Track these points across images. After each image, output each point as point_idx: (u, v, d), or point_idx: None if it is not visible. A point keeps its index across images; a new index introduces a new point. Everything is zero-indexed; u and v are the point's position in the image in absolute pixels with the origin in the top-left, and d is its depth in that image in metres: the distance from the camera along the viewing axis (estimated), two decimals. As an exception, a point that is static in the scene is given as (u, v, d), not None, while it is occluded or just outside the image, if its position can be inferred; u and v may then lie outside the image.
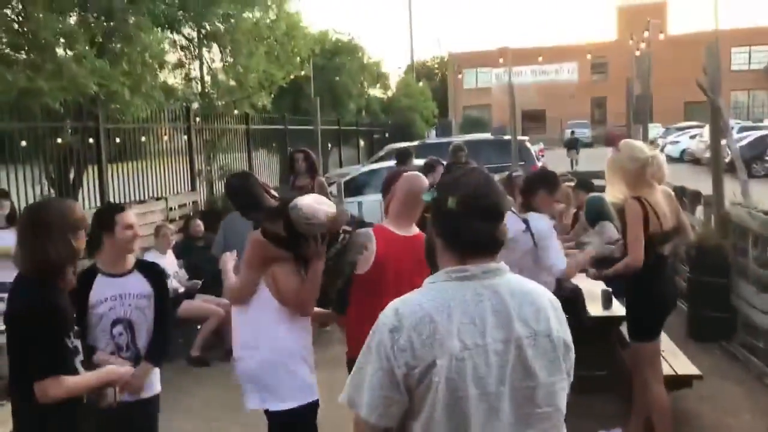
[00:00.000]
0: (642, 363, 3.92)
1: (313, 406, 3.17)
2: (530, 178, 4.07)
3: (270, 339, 3.09)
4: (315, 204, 2.99)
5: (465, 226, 1.64)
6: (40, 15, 5.31)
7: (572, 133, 30.57)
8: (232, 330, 3.30)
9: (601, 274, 4.02)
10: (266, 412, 3.18)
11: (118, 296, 3.20)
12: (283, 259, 3.08)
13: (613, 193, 3.92)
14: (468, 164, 9.22)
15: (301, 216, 2.93)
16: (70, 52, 5.68)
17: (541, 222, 3.83)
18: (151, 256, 6.18)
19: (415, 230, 3.12)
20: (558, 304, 1.73)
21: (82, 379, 2.60)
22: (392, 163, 12.62)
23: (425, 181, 3.18)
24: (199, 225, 6.91)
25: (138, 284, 3.24)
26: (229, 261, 3.45)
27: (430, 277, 1.69)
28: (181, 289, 6.30)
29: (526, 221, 3.82)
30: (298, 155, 7.24)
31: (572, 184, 7.36)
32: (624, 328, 4.80)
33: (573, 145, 26.29)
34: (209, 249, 6.91)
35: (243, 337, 3.19)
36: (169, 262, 6.30)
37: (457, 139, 15.70)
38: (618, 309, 4.58)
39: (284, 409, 3.09)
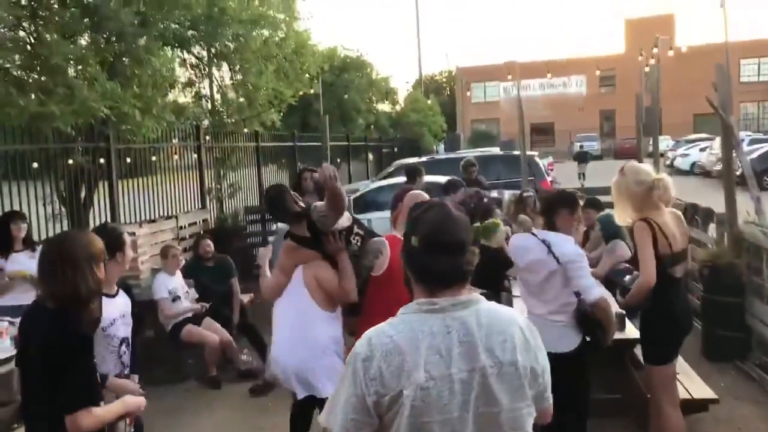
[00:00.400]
0: (657, 387, 3.87)
1: None
2: (550, 198, 4.01)
3: (305, 337, 3.62)
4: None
5: (428, 262, 1.75)
6: (53, 37, 5.36)
7: (581, 146, 30.93)
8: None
9: (623, 302, 3.96)
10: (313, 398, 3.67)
11: (120, 316, 3.30)
12: (314, 258, 3.67)
13: (622, 216, 3.91)
14: (479, 180, 9.21)
15: (316, 212, 3.59)
16: (81, 75, 5.71)
17: (567, 245, 3.75)
18: (161, 278, 6.19)
19: None
20: (531, 332, 1.82)
21: (109, 410, 2.66)
22: (401, 179, 12.66)
23: (426, 198, 3.73)
24: (209, 245, 6.89)
25: (126, 302, 3.39)
26: (266, 255, 3.94)
27: (403, 308, 1.79)
28: (190, 313, 6.28)
29: (547, 243, 3.75)
30: (306, 174, 7.21)
31: (581, 202, 7.34)
32: (639, 351, 4.77)
33: (583, 158, 26.12)
34: (218, 269, 6.91)
35: (281, 335, 3.71)
36: (178, 282, 6.29)
37: (468, 154, 15.70)
38: (632, 331, 4.52)
39: (324, 397, 3.43)
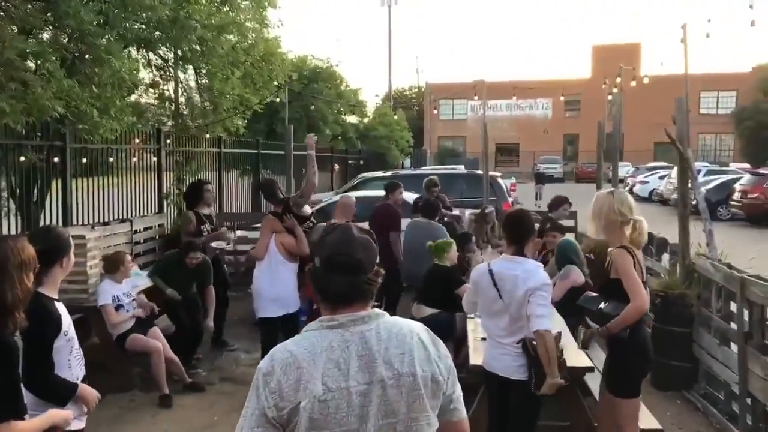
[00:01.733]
0: (626, 418, 3.82)
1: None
2: (520, 224, 3.98)
3: (276, 275, 5.90)
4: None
5: (328, 281, 1.83)
6: (9, 30, 5.19)
7: (539, 168, 33.35)
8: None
9: (606, 330, 3.80)
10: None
11: (72, 321, 3.17)
12: (282, 230, 6.00)
13: (591, 229, 3.95)
14: (440, 199, 9.26)
15: (294, 197, 6.26)
16: (38, 70, 5.54)
17: (536, 275, 3.73)
18: (106, 284, 5.99)
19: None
20: (434, 342, 1.91)
21: (33, 424, 2.55)
22: (366, 192, 12.62)
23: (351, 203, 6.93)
24: (197, 258, 6.77)
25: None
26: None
27: (306, 326, 1.87)
28: (133, 321, 6.10)
29: (496, 281, 3.81)
30: (207, 186, 8.01)
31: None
32: (590, 379, 4.79)
33: (540, 179, 29.21)
34: (197, 272, 6.87)
35: (261, 277, 5.98)
36: (124, 290, 6.11)
37: (431, 172, 15.75)
38: (582, 359, 4.53)
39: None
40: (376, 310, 1.88)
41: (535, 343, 3.64)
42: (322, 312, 1.88)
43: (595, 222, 3.88)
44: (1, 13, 6.06)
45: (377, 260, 1.91)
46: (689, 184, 6.20)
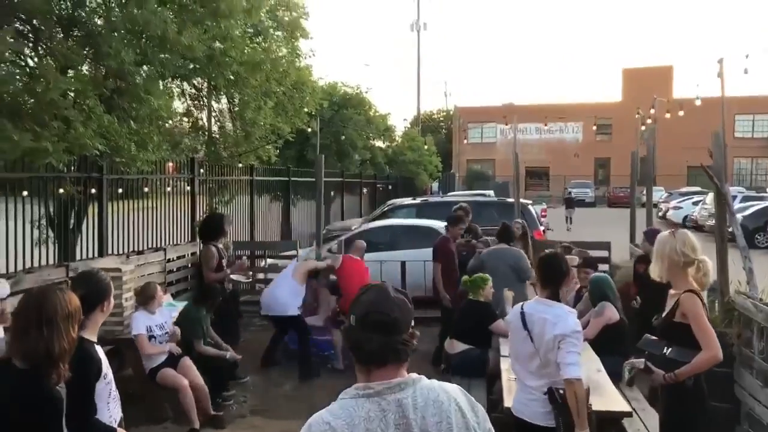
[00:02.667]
0: None
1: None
2: (553, 268, 3.91)
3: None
4: None
5: (363, 340, 1.82)
6: (52, 71, 5.33)
7: (569, 193, 33.63)
8: None
9: (674, 376, 3.66)
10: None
11: (108, 365, 3.21)
12: None
13: (654, 270, 3.85)
14: (472, 228, 9.26)
15: None
16: (78, 107, 5.67)
17: (567, 321, 3.67)
18: (140, 315, 6.04)
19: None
20: (473, 408, 1.89)
21: None
22: (395, 221, 12.63)
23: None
24: (218, 301, 6.90)
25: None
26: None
27: (342, 392, 1.86)
28: (166, 354, 6.14)
29: (528, 325, 3.76)
30: None
31: (574, 258, 7.31)
32: (629, 424, 4.67)
33: (570, 204, 29.27)
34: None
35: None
36: (157, 321, 6.15)
37: (461, 197, 15.71)
38: (619, 403, 4.42)
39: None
40: (413, 375, 1.86)
41: (562, 391, 3.57)
42: (357, 373, 1.87)
43: (658, 263, 3.79)
44: (43, 52, 6.25)
45: (413, 322, 1.90)
46: (727, 219, 6.07)
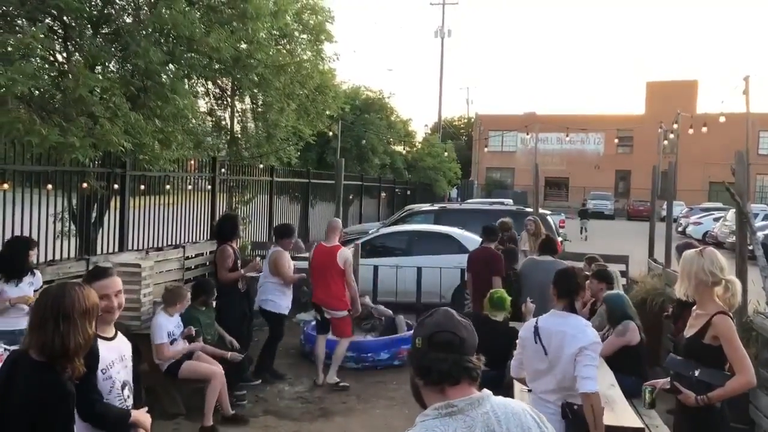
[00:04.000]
0: None
1: None
2: (569, 281, 3.90)
3: None
4: None
5: (433, 360, 1.82)
6: (80, 68, 5.41)
7: (584, 204, 34.02)
8: None
9: (707, 399, 3.56)
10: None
11: (119, 359, 3.24)
12: None
13: (680, 290, 3.78)
14: (513, 237, 9.26)
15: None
16: (104, 104, 5.76)
17: (586, 333, 3.70)
18: (161, 320, 6.09)
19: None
20: (541, 419, 1.91)
21: None
22: (412, 226, 12.65)
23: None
24: (210, 300, 6.84)
25: (126, 345, 3.32)
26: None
27: (420, 415, 1.82)
28: (184, 346, 6.20)
29: (542, 340, 3.76)
30: None
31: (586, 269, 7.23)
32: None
33: (584, 215, 29.72)
34: (209, 312, 6.87)
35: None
36: (175, 322, 6.22)
37: (479, 207, 15.64)
38: (632, 419, 4.39)
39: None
40: (485, 390, 1.88)
41: (576, 407, 3.56)
42: (427, 399, 1.85)
43: (684, 283, 3.71)
44: (72, 48, 6.35)
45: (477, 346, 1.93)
46: (748, 238, 6.02)
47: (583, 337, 3.61)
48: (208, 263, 9.55)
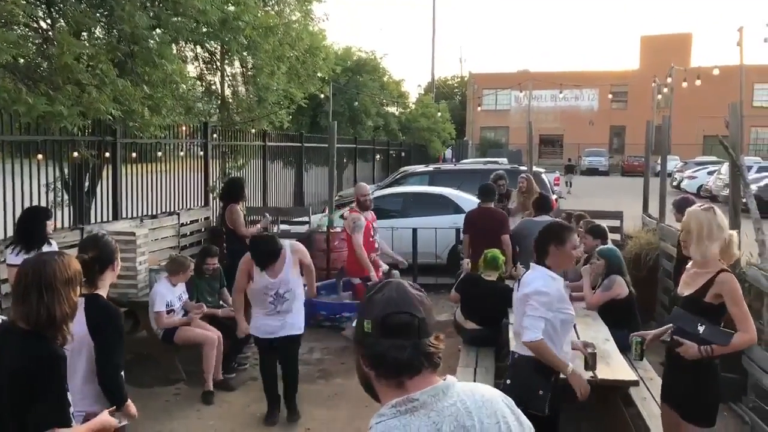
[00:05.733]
0: None
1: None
2: (539, 237, 3.85)
3: None
4: None
5: (388, 348, 1.51)
6: (65, 35, 5.32)
7: (569, 160, 36.07)
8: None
9: (710, 350, 3.52)
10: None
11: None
12: None
13: (696, 251, 3.60)
14: (509, 192, 9.21)
15: None
16: (91, 72, 5.68)
17: (533, 283, 3.63)
18: (161, 288, 6.11)
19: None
20: (509, 399, 1.66)
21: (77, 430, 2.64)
22: (408, 188, 12.64)
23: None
24: (215, 263, 6.78)
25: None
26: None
27: (375, 415, 1.52)
28: (182, 315, 6.23)
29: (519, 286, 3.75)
30: None
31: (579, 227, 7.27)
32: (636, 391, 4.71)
33: (570, 170, 31.44)
34: (211, 280, 6.82)
35: None
36: (176, 293, 6.24)
37: (474, 167, 15.59)
38: (625, 372, 4.45)
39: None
40: (448, 377, 1.59)
41: (516, 356, 3.63)
42: (381, 394, 1.56)
43: (702, 243, 3.56)
44: (56, 15, 6.23)
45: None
46: (741, 191, 6.03)
47: (529, 284, 3.60)
48: (203, 229, 9.56)
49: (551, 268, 3.66)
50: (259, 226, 8.01)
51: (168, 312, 6.09)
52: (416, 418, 1.48)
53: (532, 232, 7.13)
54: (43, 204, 6.60)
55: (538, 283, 3.59)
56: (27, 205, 6.11)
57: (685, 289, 3.71)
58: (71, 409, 2.64)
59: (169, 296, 6.11)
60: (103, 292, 3.20)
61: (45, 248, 5.13)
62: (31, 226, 5.15)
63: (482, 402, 1.56)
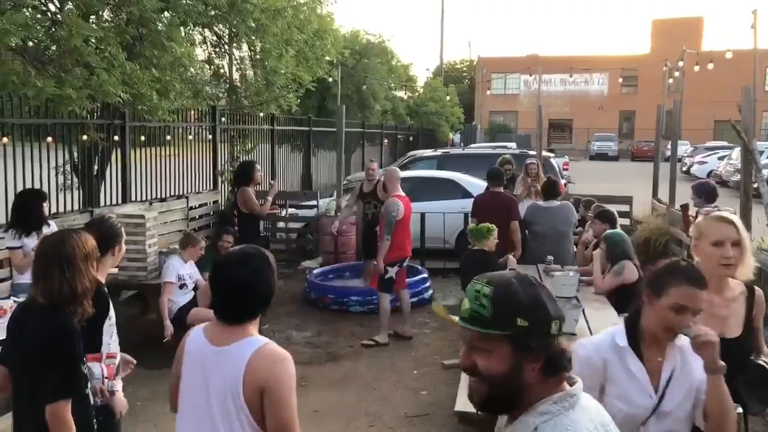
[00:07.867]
0: None
1: None
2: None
3: None
4: None
5: (559, 348, 1.50)
6: (74, 17, 5.31)
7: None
8: None
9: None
10: None
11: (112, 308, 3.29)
12: None
13: (747, 271, 2.90)
14: (515, 177, 9.16)
15: None
16: (100, 55, 5.67)
17: None
18: (174, 262, 6.16)
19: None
20: None
21: None
22: (416, 173, 12.60)
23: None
24: (230, 242, 6.82)
25: None
26: None
27: (536, 414, 1.47)
28: (193, 294, 6.29)
29: None
30: None
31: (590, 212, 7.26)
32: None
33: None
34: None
35: None
36: (189, 270, 6.28)
37: (482, 151, 15.51)
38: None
39: None
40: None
41: None
42: (540, 388, 1.49)
43: (750, 259, 2.89)
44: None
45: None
46: (753, 176, 5.99)
47: None
48: (212, 213, 9.60)
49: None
50: (268, 197, 8.07)
51: (180, 287, 6.13)
52: (575, 413, 1.47)
53: (540, 217, 7.28)
54: (53, 187, 6.65)
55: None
56: (37, 188, 6.14)
57: (726, 331, 2.80)
58: (89, 383, 2.72)
59: (181, 270, 6.15)
60: (100, 275, 3.12)
61: (45, 230, 5.15)
62: (26, 209, 5.16)
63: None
